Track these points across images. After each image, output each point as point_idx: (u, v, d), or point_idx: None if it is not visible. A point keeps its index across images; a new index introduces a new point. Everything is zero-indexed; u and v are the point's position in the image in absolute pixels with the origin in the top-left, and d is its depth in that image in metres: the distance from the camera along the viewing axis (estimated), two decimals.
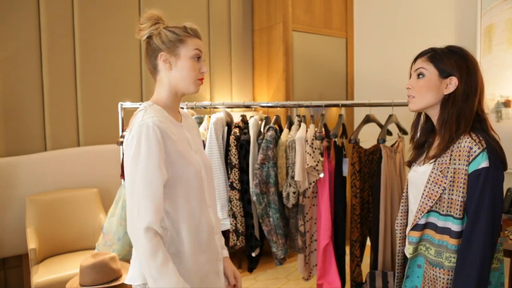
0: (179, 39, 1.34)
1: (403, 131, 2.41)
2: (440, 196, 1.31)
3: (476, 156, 1.24)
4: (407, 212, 1.49)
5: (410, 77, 1.42)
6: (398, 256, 1.53)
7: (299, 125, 2.42)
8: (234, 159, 2.43)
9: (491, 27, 3.07)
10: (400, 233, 1.50)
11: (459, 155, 1.28)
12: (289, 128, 2.45)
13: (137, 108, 2.95)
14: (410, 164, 1.50)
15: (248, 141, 2.47)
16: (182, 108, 2.47)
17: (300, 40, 4.05)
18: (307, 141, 2.31)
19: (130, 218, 1.22)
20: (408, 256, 1.42)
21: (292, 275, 3.56)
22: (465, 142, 1.28)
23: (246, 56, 4.26)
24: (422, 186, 1.36)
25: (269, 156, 2.33)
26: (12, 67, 3.00)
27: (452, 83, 1.33)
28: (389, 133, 2.41)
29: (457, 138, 1.30)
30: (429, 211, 1.34)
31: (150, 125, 1.23)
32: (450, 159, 1.30)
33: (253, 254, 2.51)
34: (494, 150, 1.25)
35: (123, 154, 2.68)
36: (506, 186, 2.55)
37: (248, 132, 2.48)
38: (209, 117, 2.56)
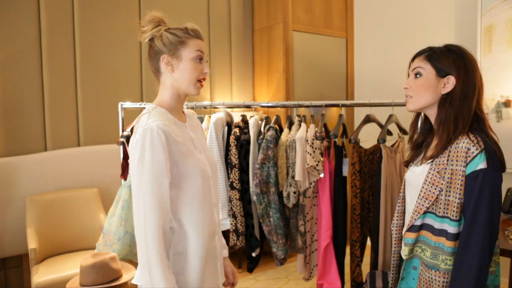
0: (180, 41, 1.34)
1: (403, 131, 2.41)
2: (436, 197, 1.29)
3: (474, 157, 1.22)
4: (404, 212, 1.47)
5: (408, 77, 1.40)
6: (394, 257, 1.50)
7: (299, 125, 2.42)
8: (234, 159, 2.43)
9: (491, 27, 3.07)
10: (396, 234, 1.47)
11: (457, 156, 1.26)
12: (289, 128, 2.45)
13: (137, 108, 2.94)
14: (407, 164, 1.48)
15: (248, 141, 2.47)
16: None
17: (300, 40, 4.05)
18: (307, 141, 2.31)
19: (137, 221, 1.24)
20: (404, 257, 1.40)
21: (292, 275, 3.56)
22: (463, 142, 1.26)
23: (246, 56, 4.26)
24: (419, 186, 1.34)
25: (270, 156, 2.33)
26: (12, 67, 3.00)
27: (450, 83, 1.31)
28: (389, 133, 2.41)
29: (455, 139, 1.28)
30: (425, 212, 1.32)
31: (154, 129, 1.24)
32: (447, 160, 1.28)
33: (253, 254, 2.51)
34: (492, 151, 1.23)
35: (123, 154, 2.69)
36: (506, 186, 2.55)
37: (248, 132, 2.48)
38: (209, 117, 2.56)
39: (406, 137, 2.16)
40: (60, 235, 2.92)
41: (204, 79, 1.40)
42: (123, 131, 2.77)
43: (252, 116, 2.52)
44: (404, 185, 1.48)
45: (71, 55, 3.25)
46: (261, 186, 2.32)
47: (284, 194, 2.34)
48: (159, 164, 1.23)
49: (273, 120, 2.50)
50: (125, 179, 2.58)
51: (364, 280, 2.28)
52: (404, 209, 1.47)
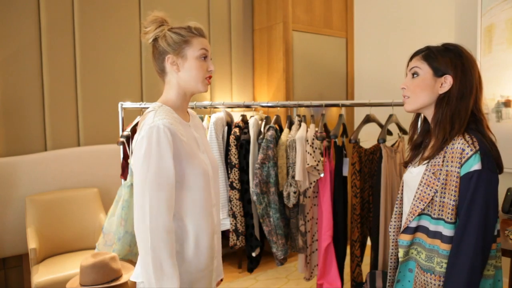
0: (184, 40, 1.35)
1: (403, 131, 2.41)
2: (432, 199, 1.27)
3: (468, 158, 1.19)
4: (401, 214, 1.45)
5: (406, 77, 1.38)
6: (391, 259, 1.48)
7: (300, 125, 2.42)
8: (234, 159, 2.43)
9: (491, 27, 3.07)
10: (393, 235, 1.45)
11: (452, 157, 1.23)
12: (290, 128, 2.45)
13: (137, 108, 2.94)
14: (406, 165, 1.46)
15: (248, 141, 2.47)
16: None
17: (300, 40, 4.05)
18: (307, 140, 2.31)
19: (140, 218, 1.22)
20: (399, 259, 1.38)
21: (292, 275, 3.56)
22: (458, 143, 1.23)
23: (246, 56, 4.26)
24: (416, 187, 1.33)
25: (270, 155, 2.33)
26: (12, 67, 3.00)
27: (447, 82, 1.28)
28: (389, 133, 2.41)
29: (451, 139, 1.26)
30: (420, 214, 1.30)
31: (160, 127, 1.24)
32: (443, 161, 1.26)
33: (253, 254, 2.51)
34: (488, 152, 1.20)
35: (123, 154, 2.69)
36: (506, 186, 2.55)
37: (248, 131, 2.48)
38: (209, 117, 2.56)
39: (406, 137, 2.16)
40: (60, 235, 2.92)
41: (210, 76, 1.40)
42: (123, 131, 2.77)
43: (252, 116, 2.52)
44: (402, 186, 1.46)
45: (71, 55, 3.24)
46: (261, 186, 2.32)
47: (284, 194, 2.34)
48: (165, 161, 1.23)
49: (273, 120, 2.49)
50: (125, 179, 2.58)
51: (364, 280, 2.28)
52: (402, 211, 1.45)
